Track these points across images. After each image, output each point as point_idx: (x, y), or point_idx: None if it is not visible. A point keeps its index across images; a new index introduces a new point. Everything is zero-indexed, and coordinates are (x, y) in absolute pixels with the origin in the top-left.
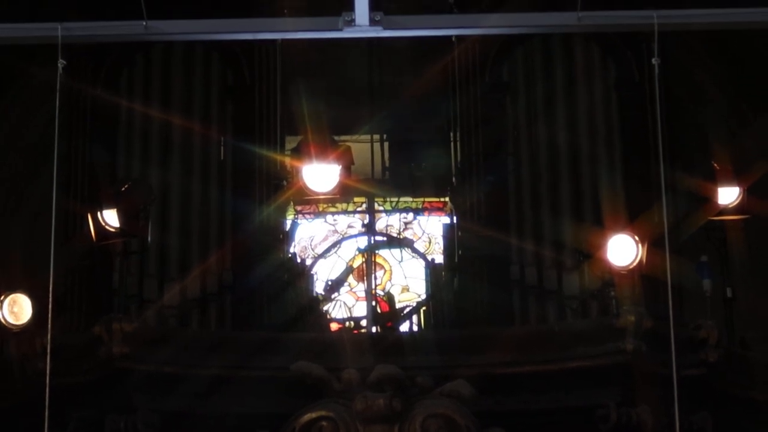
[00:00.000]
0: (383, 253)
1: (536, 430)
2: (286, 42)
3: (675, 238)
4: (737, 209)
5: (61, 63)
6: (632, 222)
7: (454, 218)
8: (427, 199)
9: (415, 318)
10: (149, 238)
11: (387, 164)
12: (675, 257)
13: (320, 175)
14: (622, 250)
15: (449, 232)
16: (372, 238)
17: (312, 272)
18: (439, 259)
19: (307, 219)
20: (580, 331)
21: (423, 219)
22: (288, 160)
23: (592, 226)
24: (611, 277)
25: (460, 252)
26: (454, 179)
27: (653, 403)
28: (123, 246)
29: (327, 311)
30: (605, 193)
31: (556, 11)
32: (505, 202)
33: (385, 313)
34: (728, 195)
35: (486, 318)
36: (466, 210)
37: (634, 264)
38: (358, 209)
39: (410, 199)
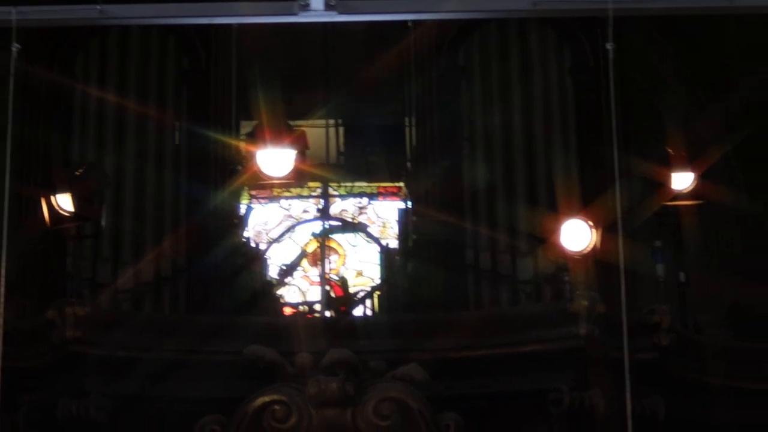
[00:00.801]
0: (337, 237)
1: (489, 414)
2: (241, 26)
3: (629, 223)
4: (691, 194)
5: (15, 47)
6: (586, 207)
7: (409, 203)
8: (381, 184)
9: (368, 302)
10: (103, 222)
11: (342, 149)
12: (629, 242)
13: (275, 159)
14: (576, 235)
15: (404, 217)
16: (326, 222)
17: (266, 257)
18: (394, 243)
19: (261, 203)
20: (533, 316)
21: (378, 204)
22: (243, 145)
23: (546, 210)
24: (565, 262)
25: (414, 237)
26: (409, 164)
27: (606, 387)
28: (77, 230)
29: (281, 295)
30: (560, 178)
31: None
32: (459, 187)
33: (339, 298)
34: (682, 180)
35: (440, 302)
36: (420, 195)
37: (588, 249)
38: (313, 194)
39: (365, 184)
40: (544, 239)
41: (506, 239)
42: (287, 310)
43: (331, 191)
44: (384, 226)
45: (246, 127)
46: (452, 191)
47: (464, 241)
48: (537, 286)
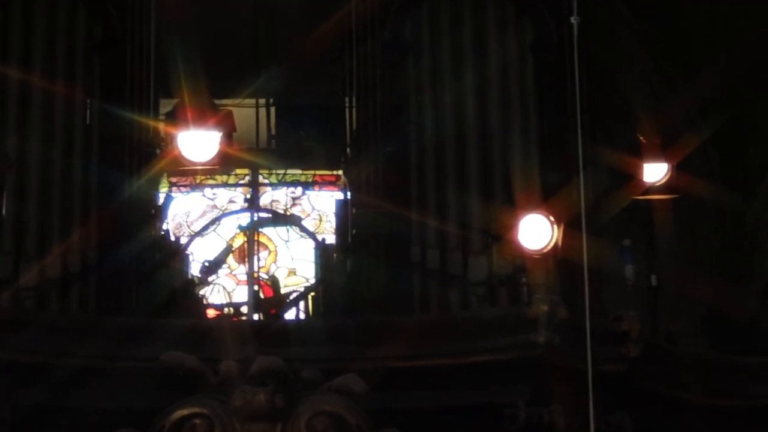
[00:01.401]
0: (268, 231)
1: (436, 430)
2: None
3: (595, 219)
4: (665, 188)
5: None
6: (547, 200)
7: (348, 193)
8: (318, 172)
9: (302, 305)
10: (4, 211)
11: (273, 132)
12: (594, 240)
13: (198, 142)
14: (536, 231)
15: (342, 208)
16: (255, 214)
17: (187, 252)
18: (331, 239)
19: (182, 192)
20: (487, 321)
21: (313, 194)
22: (162, 126)
23: (502, 204)
24: (523, 261)
25: (354, 231)
26: (348, 149)
27: (567, 402)
28: None
29: (203, 296)
30: (518, 168)
31: None
32: (405, 175)
33: (269, 299)
34: (655, 171)
35: (382, 305)
36: (361, 184)
37: (549, 247)
38: (241, 182)
39: (299, 172)
40: (500, 236)
41: (457, 235)
42: (211, 313)
43: (260, 179)
44: (320, 219)
45: (166, 105)
46: (397, 180)
47: (410, 236)
48: (491, 288)
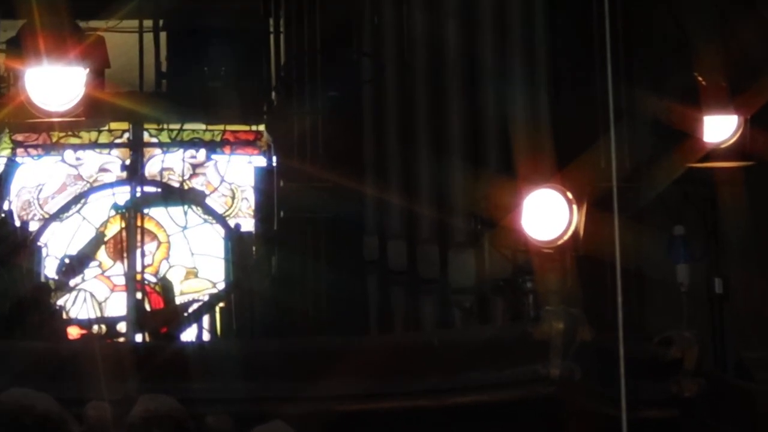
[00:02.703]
0: (157, 214)
1: None
2: None
3: (632, 196)
4: (734, 151)
5: None
6: (562, 169)
7: (274, 159)
8: (229, 128)
9: (207, 320)
10: None
11: (165, 68)
12: (632, 228)
13: (54, 83)
14: (546, 214)
15: (265, 181)
16: (138, 189)
17: (39, 243)
18: (249, 225)
19: (32, 156)
20: (475, 346)
21: (222, 159)
22: (1, 60)
23: (497, 174)
24: (527, 258)
25: (282, 214)
26: (274, 94)
27: None
28: None
29: (63, 307)
30: (520, 123)
31: None
32: (356, 132)
33: (159, 312)
34: (720, 127)
35: (322, 322)
36: (292, 145)
37: (566, 238)
38: (117, 141)
39: (202, 127)
40: (494, 221)
41: (432, 220)
42: (73, 332)
43: (146, 137)
44: (233, 197)
45: (8, 29)
46: (345, 140)
47: (363, 222)
48: (481, 298)
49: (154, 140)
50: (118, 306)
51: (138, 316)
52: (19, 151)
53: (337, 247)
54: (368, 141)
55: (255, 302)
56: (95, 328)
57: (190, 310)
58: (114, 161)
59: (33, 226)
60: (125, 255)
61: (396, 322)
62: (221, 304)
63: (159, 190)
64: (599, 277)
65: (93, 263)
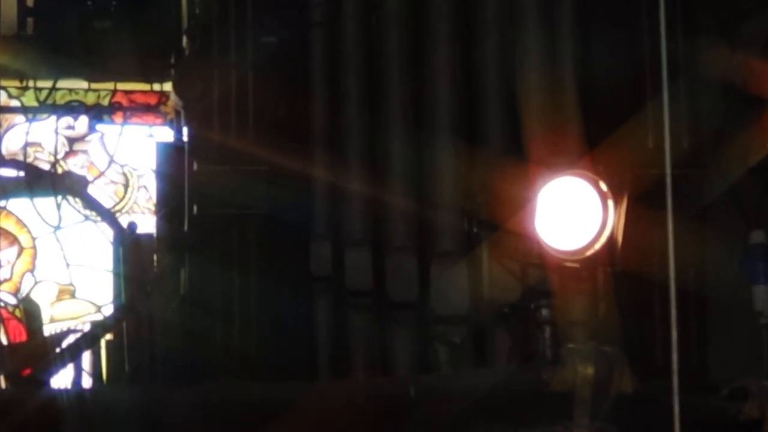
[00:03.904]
0: (15, 208)
1: None
2: None
3: (693, 189)
4: None
5: None
6: (593, 149)
7: (184, 131)
8: (121, 86)
9: (88, 358)
10: None
11: (31, 5)
12: (691, 233)
13: None
14: (570, 213)
15: (172, 162)
16: None
17: None
18: (149, 224)
19: None
20: (468, 398)
21: (112, 131)
22: None
23: (499, 155)
24: (542, 275)
25: (195, 209)
26: (185, 40)
27: None
28: None
29: None
30: (533, 84)
31: None
32: (302, 95)
33: (19, 346)
34: None
35: (252, 361)
36: (211, 112)
37: (597, 246)
38: None
39: (84, 85)
40: (495, 223)
41: (408, 220)
42: None
43: (4, 99)
44: (126, 185)
45: None
46: (285, 107)
47: (310, 221)
48: (477, 330)
49: (15, 103)
50: None
51: None
52: None
53: (273, 257)
54: (318, 106)
55: (156, 333)
56: None
57: (65, 344)
58: None
59: None
60: None
61: (356, 362)
62: (108, 336)
63: (21, 174)
64: (645, 304)
65: None
